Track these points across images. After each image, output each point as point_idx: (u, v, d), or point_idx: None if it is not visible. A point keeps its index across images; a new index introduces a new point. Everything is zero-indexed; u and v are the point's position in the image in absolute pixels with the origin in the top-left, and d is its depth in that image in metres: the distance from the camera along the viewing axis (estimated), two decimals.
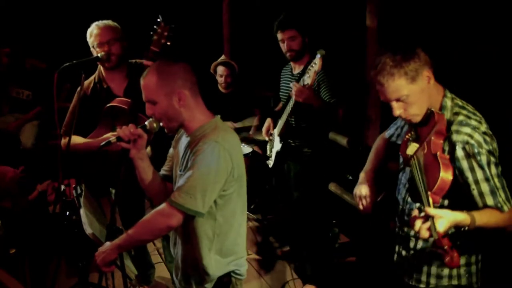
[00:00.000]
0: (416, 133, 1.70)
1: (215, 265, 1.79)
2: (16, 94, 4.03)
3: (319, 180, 3.13)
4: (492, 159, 1.54)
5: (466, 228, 1.52)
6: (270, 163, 3.24)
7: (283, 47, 2.86)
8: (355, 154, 3.35)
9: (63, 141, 2.55)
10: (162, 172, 1.96)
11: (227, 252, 1.81)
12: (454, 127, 1.57)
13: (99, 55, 2.49)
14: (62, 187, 2.72)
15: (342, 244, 3.60)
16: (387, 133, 2.04)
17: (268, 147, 3.32)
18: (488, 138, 1.55)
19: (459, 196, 1.61)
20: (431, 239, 1.52)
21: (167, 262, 2.98)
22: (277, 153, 3.08)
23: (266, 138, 3.25)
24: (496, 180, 1.53)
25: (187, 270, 1.85)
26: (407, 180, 1.80)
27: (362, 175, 1.98)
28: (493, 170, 1.53)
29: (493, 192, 1.53)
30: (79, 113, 2.42)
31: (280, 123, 2.99)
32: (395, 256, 1.90)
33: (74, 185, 2.37)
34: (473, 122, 1.56)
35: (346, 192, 3.45)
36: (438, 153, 1.55)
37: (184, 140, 1.81)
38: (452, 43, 2.81)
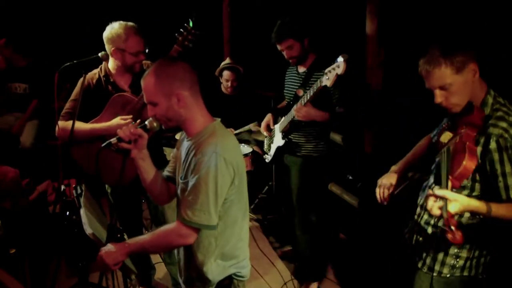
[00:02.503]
0: (452, 123, 1.77)
1: (215, 270, 1.80)
2: (14, 90, 4.03)
3: (323, 176, 3.15)
4: None
5: (481, 216, 1.61)
6: (268, 158, 3.25)
7: (284, 55, 2.91)
8: (355, 155, 3.36)
9: (63, 124, 2.51)
10: (166, 173, 1.95)
11: (228, 256, 1.81)
12: (492, 121, 1.62)
13: (99, 54, 2.49)
14: (62, 187, 2.72)
15: (341, 244, 3.60)
16: (432, 134, 2.06)
17: (266, 142, 3.31)
18: None
19: (484, 190, 1.68)
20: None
21: (167, 264, 2.98)
22: (278, 148, 3.09)
23: (265, 133, 3.25)
24: None
25: (190, 274, 1.86)
26: (433, 171, 1.86)
27: (392, 167, 2.06)
28: None
29: None
30: (80, 103, 2.43)
31: (285, 121, 3.00)
32: (413, 241, 1.93)
33: (74, 185, 2.37)
34: (511, 119, 1.61)
35: (346, 192, 3.45)
36: (467, 143, 1.60)
37: (185, 144, 1.79)
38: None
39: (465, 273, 1.77)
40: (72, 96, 2.59)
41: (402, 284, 2.00)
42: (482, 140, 1.62)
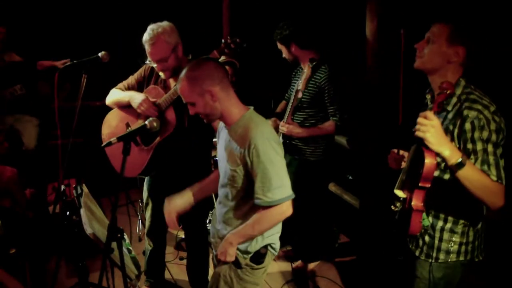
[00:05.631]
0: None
1: (257, 241, 1.96)
2: (10, 95, 3.98)
3: (319, 180, 3.14)
4: (493, 138, 1.63)
5: (448, 164, 1.54)
6: None
7: None
8: (355, 154, 3.36)
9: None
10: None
11: None
12: (467, 104, 1.68)
13: (99, 54, 2.49)
14: (62, 187, 2.73)
15: (342, 244, 3.61)
16: None
17: None
18: (497, 118, 1.65)
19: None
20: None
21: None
22: None
23: None
24: (491, 157, 1.62)
25: None
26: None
27: None
28: (490, 147, 1.63)
29: (486, 162, 1.63)
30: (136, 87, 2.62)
31: (285, 117, 3.02)
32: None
33: (74, 185, 2.38)
34: (484, 102, 1.68)
35: (346, 192, 3.46)
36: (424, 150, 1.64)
37: (223, 133, 1.98)
38: None
39: (461, 258, 1.82)
40: (136, 75, 2.66)
41: (401, 284, 2.00)
42: (458, 122, 1.68)
